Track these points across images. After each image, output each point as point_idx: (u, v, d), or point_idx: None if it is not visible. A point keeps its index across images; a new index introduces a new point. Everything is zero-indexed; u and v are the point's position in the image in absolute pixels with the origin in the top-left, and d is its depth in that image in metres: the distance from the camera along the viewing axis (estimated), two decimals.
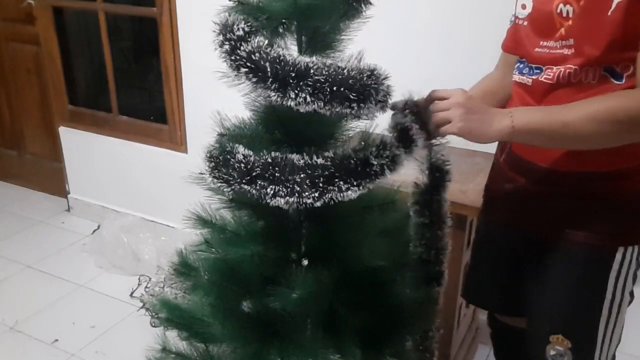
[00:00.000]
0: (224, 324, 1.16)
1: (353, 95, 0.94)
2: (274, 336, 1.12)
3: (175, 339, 1.30)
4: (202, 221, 1.18)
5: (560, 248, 1.21)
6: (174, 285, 1.27)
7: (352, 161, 1.00)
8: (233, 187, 1.02)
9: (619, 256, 1.17)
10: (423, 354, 1.24)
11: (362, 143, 1.04)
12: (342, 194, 0.99)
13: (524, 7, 1.18)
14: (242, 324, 1.15)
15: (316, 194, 0.98)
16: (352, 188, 0.99)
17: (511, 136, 1.05)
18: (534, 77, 1.17)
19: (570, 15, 1.07)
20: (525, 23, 1.18)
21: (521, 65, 1.22)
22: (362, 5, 1.01)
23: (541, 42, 1.14)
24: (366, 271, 1.09)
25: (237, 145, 1.04)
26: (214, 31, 0.99)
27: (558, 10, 1.09)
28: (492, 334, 1.61)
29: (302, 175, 0.98)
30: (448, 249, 1.23)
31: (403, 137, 1.04)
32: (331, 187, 0.99)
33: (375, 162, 1.01)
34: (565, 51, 1.10)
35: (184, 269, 1.25)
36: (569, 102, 1.07)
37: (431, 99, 1.08)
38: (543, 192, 1.22)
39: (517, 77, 1.23)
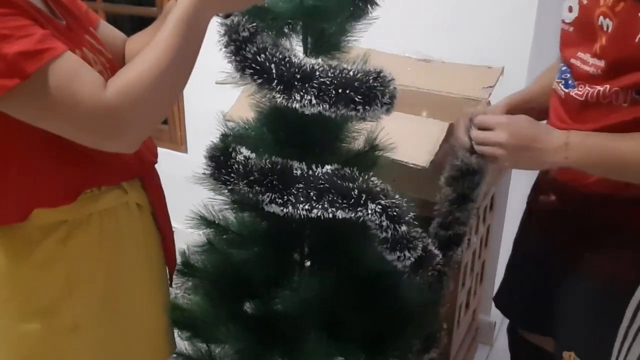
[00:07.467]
0: (227, 326, 1.16)
1: (359, 98, 0.93)
2: (277, 338, 1.12)
3: (177, 340, 1.29)
4: (205, 222, 1.17)
5: (584, 271, 1.18)
6: (176, 286, 1.27)
7: (352, 189, 0.98)
8: (231, 187, 1.02)
9: None
10: (426, 357, 1.24)
11: (378, 185, 1.00)
12: (328, 213, 0.98)
13: (570, 9, 1.11)
14: (245, 326, 1.15)
15: (308, 207, 0.97)
16: (338, 212, 0.98)
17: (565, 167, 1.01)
18: (567, 90, 1.11)
19: (609, 31, 1.02)
20: (571, 29, 1.12)
21: (564, 69, 1.15)
22: (369, 6, 1.00)
23: (578, 53, 1.09)
24: (370, 273, 1.09)
25: (239, 146, 1.03)
26: (219, 32, 0.98)
27: (599, 22, 1.03)
28: (510, 346, 1.58)
29: (297, 187, 0.98)
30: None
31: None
32: (319, 205, 0.97)
33: (371, 210, 0.98)
34: (594, 70, 1.05)
35: (186, 269, 1.24)
36: (601, 122, 1.03)
37: (475, 124, 1.07)
38: (575, 214, 1.18)
39: (555, 83, 1.16)
